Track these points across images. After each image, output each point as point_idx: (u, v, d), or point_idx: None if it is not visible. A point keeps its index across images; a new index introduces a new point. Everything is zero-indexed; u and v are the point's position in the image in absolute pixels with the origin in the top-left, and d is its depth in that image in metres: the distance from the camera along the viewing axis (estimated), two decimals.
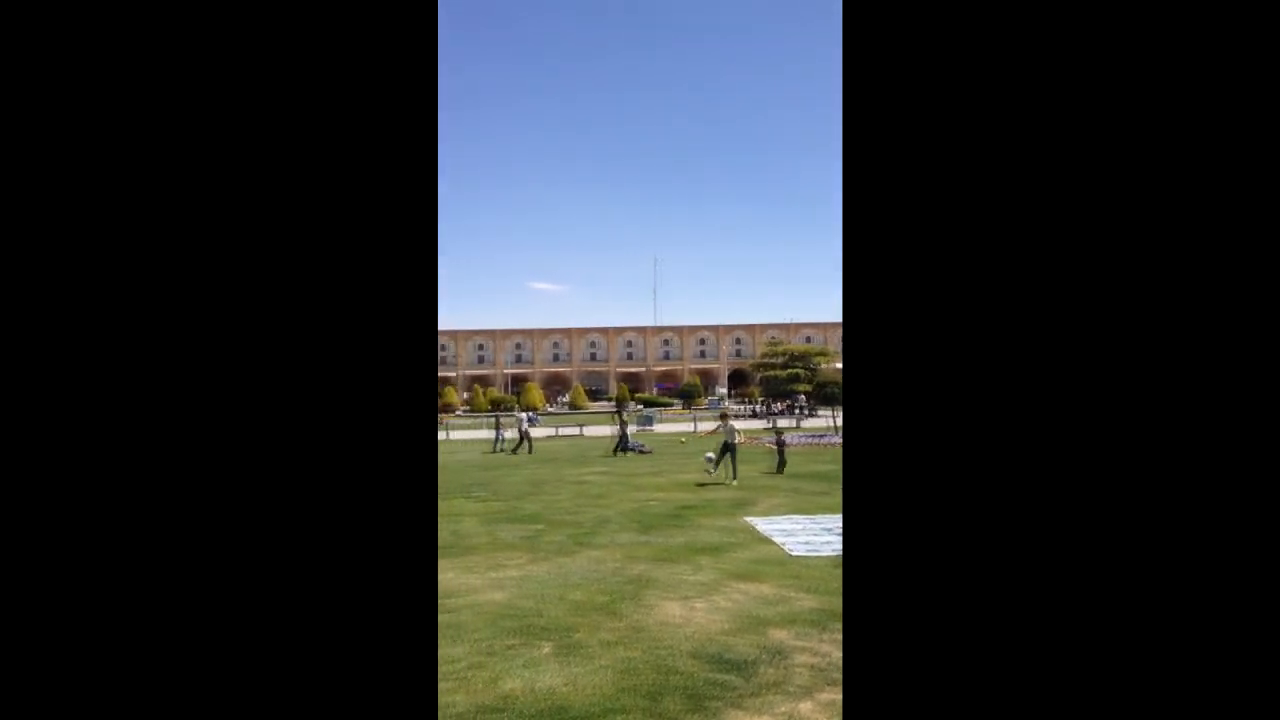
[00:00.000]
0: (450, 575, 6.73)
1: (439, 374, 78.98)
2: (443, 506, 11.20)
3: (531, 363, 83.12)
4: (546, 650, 4.66)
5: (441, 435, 31.73)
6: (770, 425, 25.54)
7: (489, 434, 27.14)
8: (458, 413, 58.11)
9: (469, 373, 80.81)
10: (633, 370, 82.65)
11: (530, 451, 20.60)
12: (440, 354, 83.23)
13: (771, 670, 4.22)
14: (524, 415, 24.20)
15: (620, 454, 18.86)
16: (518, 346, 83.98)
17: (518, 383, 74.75)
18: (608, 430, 22.91)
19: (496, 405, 56.93)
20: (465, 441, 28.20)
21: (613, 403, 56.11)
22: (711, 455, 13.49)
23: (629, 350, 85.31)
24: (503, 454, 20.70)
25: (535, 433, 23.69)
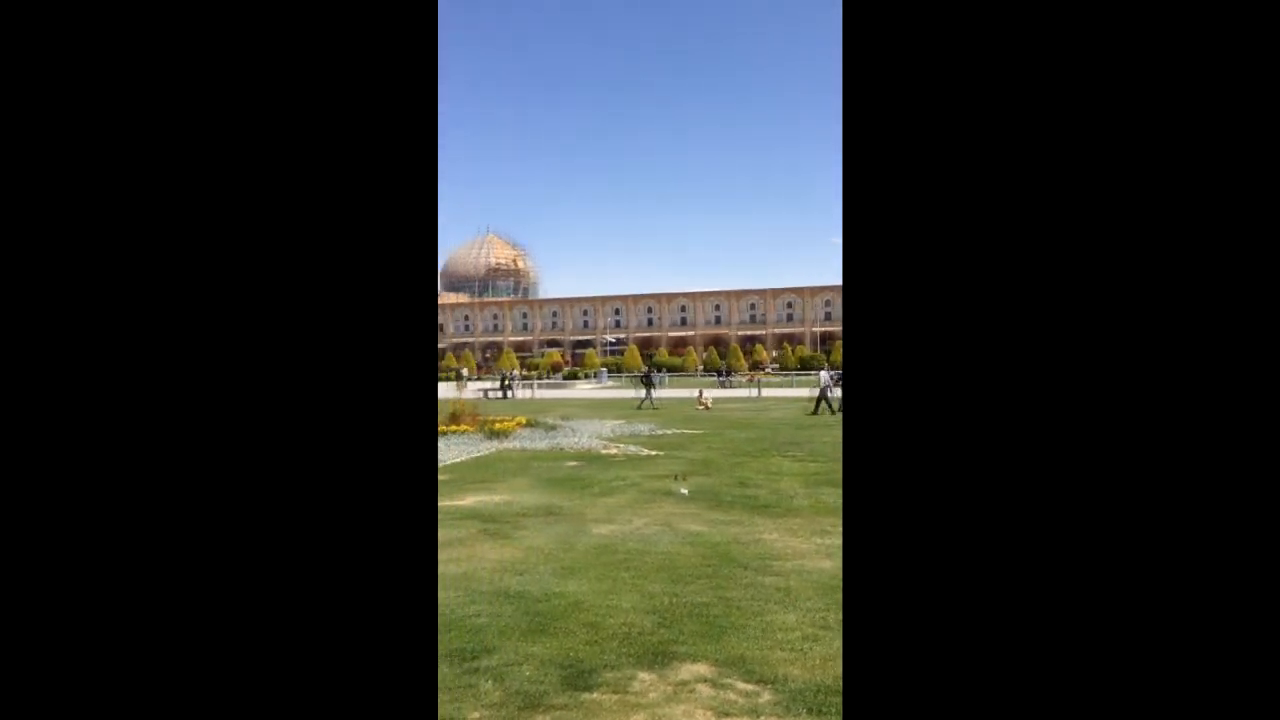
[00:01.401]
0: (774, 536, 6.59)
1: (748, 331, 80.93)
2: (760, 464, 11.20)
3: (841, 320, 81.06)
4: None
5: (752, 393, 32.20)
6: None
7: (798, 392, 26.51)
8: (767, 369, 58.73)
9: (776, 331, 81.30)
10: None
11: (833, 412, 19.56)
12: (750, 312, 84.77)
13: None
14: (824, 374, 22.11)
15: None
16: (826, 304, 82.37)
17: (826, 340, 73.50)
18: None
19: (805, 364, 56.53)
20: (777, 400, 28.32)
21: None
22: None
23: None
24: (827, 414, 19.62)
25: (838, 393, 22.14)
